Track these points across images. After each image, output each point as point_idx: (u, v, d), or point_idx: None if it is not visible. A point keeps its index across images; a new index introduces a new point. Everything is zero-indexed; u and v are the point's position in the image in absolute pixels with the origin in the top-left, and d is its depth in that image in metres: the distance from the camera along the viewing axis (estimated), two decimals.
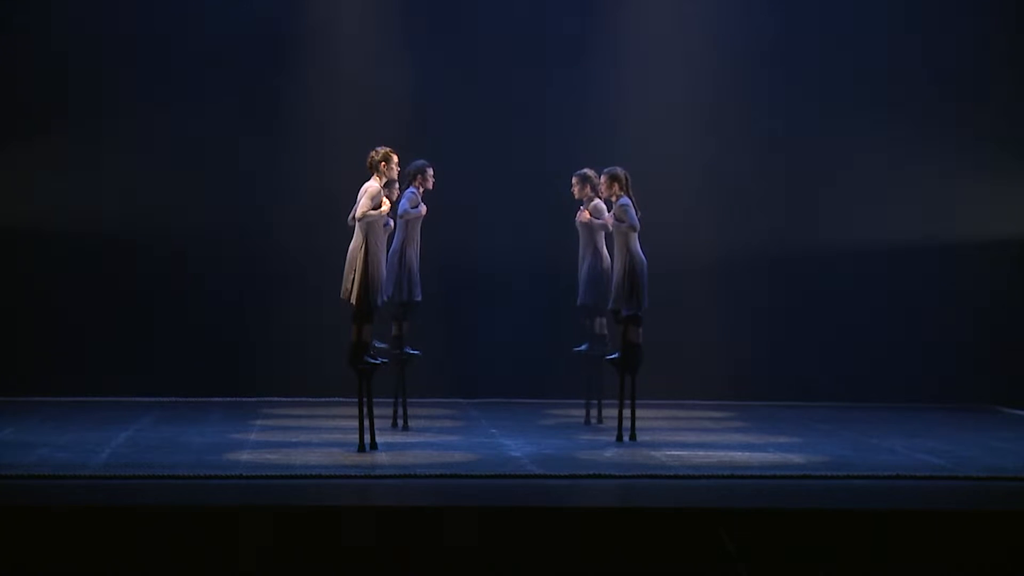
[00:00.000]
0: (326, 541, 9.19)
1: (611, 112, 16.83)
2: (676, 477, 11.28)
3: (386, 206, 12.57)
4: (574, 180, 14.23)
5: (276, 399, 16.41)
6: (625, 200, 13.31)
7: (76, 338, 16.38)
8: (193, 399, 16.30)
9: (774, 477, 11.26)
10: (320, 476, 10.94)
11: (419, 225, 13.94)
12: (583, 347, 14.29)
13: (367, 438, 12.41)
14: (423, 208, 13.92)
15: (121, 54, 16.44)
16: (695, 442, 13.38)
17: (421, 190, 13.93)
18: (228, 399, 16.33)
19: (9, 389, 16.00)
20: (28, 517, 9.27)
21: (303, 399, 16.45)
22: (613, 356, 13.40)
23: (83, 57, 16.38)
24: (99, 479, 10.78)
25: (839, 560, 9.30)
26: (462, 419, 14.79)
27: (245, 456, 12.05)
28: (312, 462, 11.67)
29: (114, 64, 16.43)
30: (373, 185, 12.51)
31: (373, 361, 12.57)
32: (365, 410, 12.38)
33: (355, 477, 11.07)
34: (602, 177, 13.62)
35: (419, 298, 13.91)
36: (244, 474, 11.00)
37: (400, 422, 13.99)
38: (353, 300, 12.50)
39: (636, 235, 13.24)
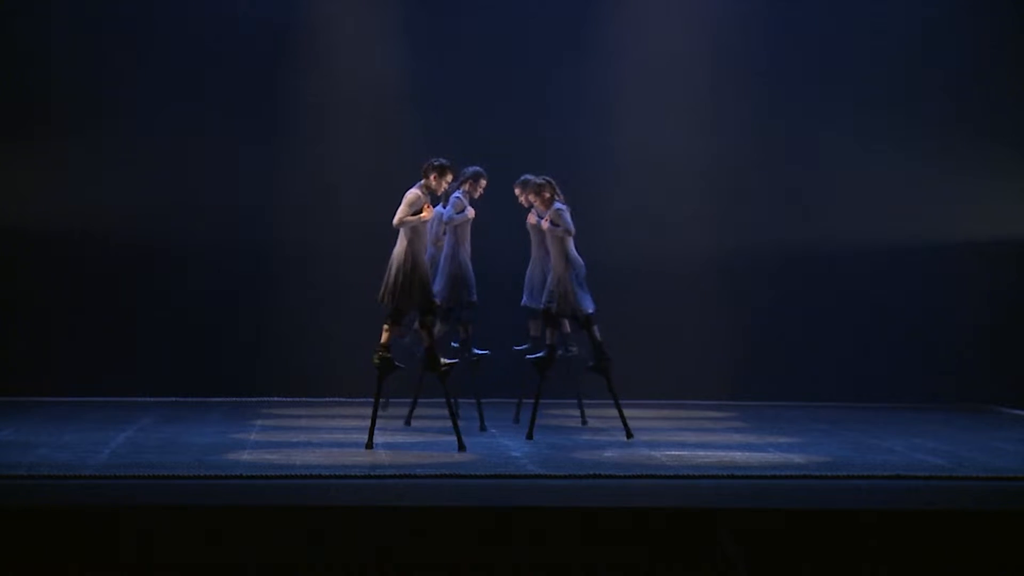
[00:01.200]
0: (327, 541, 9.19)
1: (611, 112, 16.84)
2: (676, 477, 11.28)
3: (427, 213, 12.57)
4: (517, 190, 14.05)
5: (276, 399, 16.42)
6: (560, 205, 13.30)
7: (76, 338, 16.37)
8: (193, 399, 16.30)
9: (774, 477, 11.26)
10: (320, 476, 10.93)
11: (468, 228, 13.96)
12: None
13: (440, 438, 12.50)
14: (470, 211, 13.94)
15: (121, 54, 16.44)
16: (695, 442, 13.38)
17: (468, 196, 13.95)
18: (228, 399, 16.33)
19: (9, 389, 16.01)
20: (28, 517, 9.27)
21: (303, 399, 16.46)
22: (592, 365, 13.42)
23: (83, 57, 16.38)
24: (99, 479, 10.78)
25: (839, 560, 9.30)
26: (462, 419, 14.74)
27: (245, 456, 12.05)
28: (312, 462, 11.67)
29: (114, 64, 16.43)
30: (414, 191, 12.58)
31: (400, 365, 12.68)
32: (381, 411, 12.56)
33: (355, 477, 11.06)
34: (530, 195, 13.54)
35: (474, 299, 13.94)
36: (244, 474, 11.00)
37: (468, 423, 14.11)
38: (388, 301, 12.55)
39: (572, 239, 13.26)
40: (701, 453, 12.56)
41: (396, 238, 12.61)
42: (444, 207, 13.82)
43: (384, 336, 12.63)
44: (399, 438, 13.40)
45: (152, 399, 16.17)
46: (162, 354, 16.48)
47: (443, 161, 12.72)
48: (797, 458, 12.32)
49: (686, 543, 9.29)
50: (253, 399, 16.35)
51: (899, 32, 17.00)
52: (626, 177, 16.81)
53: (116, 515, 9.30)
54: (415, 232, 12.55)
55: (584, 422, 14.49)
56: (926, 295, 17.01)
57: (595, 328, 13.34)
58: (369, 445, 12.46)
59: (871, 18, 17.01)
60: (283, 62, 16.63)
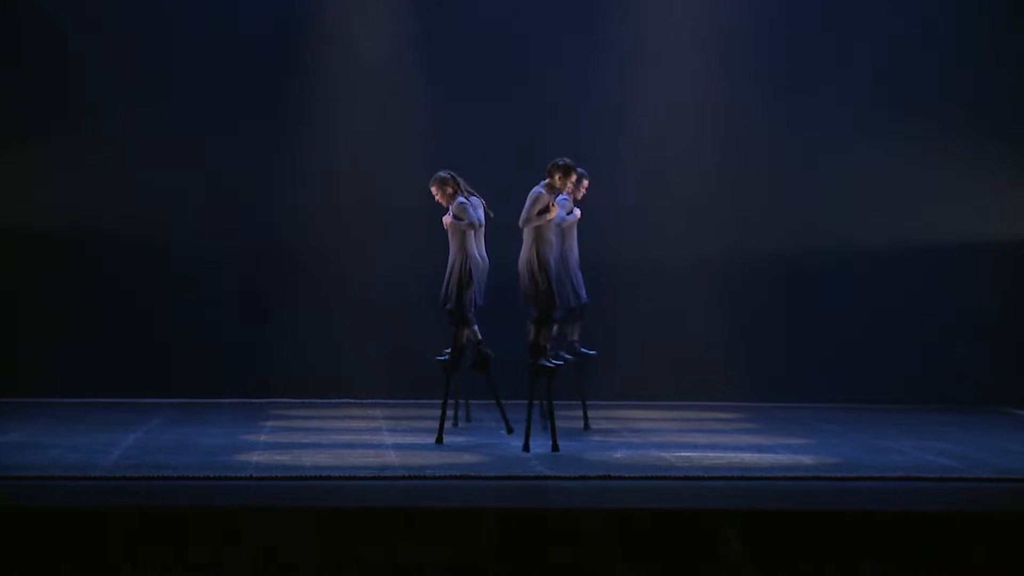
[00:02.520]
0: (336, 542, 9.20)
1: (614, 111, 16.85)
2: (686, 478, 11.27)
3: (552, 213, 12.56)
4: (433, 188, 13.72)
5: (286, 400, 16.43)
6: (463, 199, 13.22)
7: (87, 339, 16.39)
8: (203, 400, 16.31)
9: (784, 478, 11.25)
10: (330, 478, 10.94)
11: (575, 229, 13.90)
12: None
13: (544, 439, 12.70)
14: (577, 212, 13.89)
15: (121, 54, 16.44)
16: (705, 443, 13.38)
17: (572, 196, 13.84)
18: (238, 400, 16.35)
19: (21, 391, 16.04)
20: (40, 518, 9.29)
21: (313, 400, 16.47)
22: (443, 358, 13.33)
23: (83, 57, 16.38)
24: (110, 480, 10.79)
25: (849, 561, 9.30)
26: (470, 420, 14.78)
27: (255, 457, 12.06)
28: (322, 463, 11.68)
29: (114, 64, 16.43)
30: (539, 191, 12.56)
31: (550, 364, 12.64)
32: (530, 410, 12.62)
33: (365, 479, 11.07)
34: (432, 187, 13.34)
35: (585, 299, 13.91)
36: (254, 475, 11.01)
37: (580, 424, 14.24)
38: (534, 303, 12.55)
39: (475, 234, 13.18)
40: (711, 454, 12.56)
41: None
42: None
43: (532, 337, 12.63)
44: (409, 439, 13.40)
45: (161, 400, 16.18)
46: (171, 355, 16.49)
47: (567, 161, 12.69)
48: (807, 459, 12.31)
49: (697, 544, 9.29)
50: (263, 400, 16.36)
51: (899, 32, 16.99)
52: (629, 176, 16.80)
53: (127, 516, 9.31)
54: (539, 232, 12.55)
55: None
56: (932, 295, 16.99)
57: (465, 330, 13.28)
58: (551, 447, 12.52)
59: (871, 18, 17.01)
60: (287, 61, 16.61)
